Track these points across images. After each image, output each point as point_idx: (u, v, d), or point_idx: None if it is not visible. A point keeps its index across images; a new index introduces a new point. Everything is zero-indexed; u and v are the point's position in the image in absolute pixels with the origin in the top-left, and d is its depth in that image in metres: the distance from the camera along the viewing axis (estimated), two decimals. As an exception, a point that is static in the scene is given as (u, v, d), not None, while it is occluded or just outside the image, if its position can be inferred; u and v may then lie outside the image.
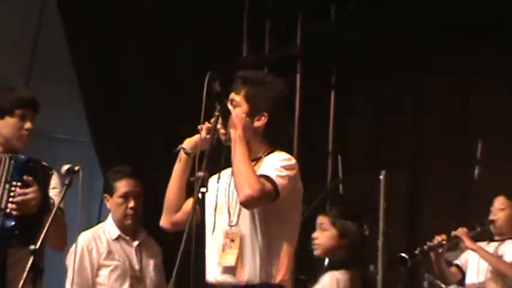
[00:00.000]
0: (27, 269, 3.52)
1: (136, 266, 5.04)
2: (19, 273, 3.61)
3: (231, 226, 3.63)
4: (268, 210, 3.59)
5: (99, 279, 4.97)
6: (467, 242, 6.03)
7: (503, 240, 6.14)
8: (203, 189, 3.41)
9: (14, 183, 3.89)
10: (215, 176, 3.70)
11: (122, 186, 5.05)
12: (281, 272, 3.61)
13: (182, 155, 3.79)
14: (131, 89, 7.27)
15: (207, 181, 3.45)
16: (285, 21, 7.79)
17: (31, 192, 3.88)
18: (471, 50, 7.14)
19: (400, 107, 7.61)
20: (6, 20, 7.00)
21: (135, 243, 5.08)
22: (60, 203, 3.76)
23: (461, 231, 6.08)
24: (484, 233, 6.23)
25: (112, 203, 5.09)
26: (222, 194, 3.68)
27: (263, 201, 3.54)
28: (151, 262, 5.10)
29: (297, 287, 4.53)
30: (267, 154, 3.68)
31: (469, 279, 6.14)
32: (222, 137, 3.68)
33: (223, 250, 3.62)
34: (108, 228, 5.08)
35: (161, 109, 7.36)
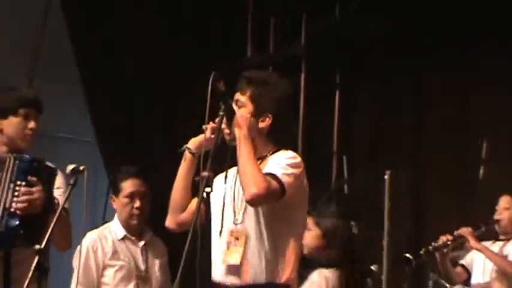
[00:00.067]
0: (32, 268, 3.52)
1: (142, 266, 5.03)
2: (24, 273, 3.61)
3: (236, 224, 3.62)
4: (274, 209, 3.57)
5: (105, 279, 4.96)
6: (472, 242, 6.02)
7: (508, 240, 6.13)
8: (208, 189, 3.41)
9: (19, 183, 3.88)
10: (221, 176, 3.69)
11: (128, 186, 5.05)
12: (287, 271, 3.60)
13: (187, 154, 3.79)
14: (131, 89, 7.27)
15: (212, 181, 3.46)
16: (289, 20, 7.78)
17: (35, 192, 3.87)
18: (471, 50, 7.13)
19: (401, 107, 7.60)
20: (6, 19, 6.99)
21: (141, 243, 5.07)
22: (65, 203, 3.76)
23: (466, 231, 6.07)
24: (489, 232, 6.22)
25: (118, 203, 5.09)
26: (229, 193, 3.66)
27: (269, 200, 3.53)
28: (157, 262, 5.09)
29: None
30: (273, 153, 3.68)
31: (475, 279, 6.13)
32: (227, 137, 3.68)
33: (228, 248, 3.61)
34: (114, 229, 5.08)
35: (161, 109, 7.35)
